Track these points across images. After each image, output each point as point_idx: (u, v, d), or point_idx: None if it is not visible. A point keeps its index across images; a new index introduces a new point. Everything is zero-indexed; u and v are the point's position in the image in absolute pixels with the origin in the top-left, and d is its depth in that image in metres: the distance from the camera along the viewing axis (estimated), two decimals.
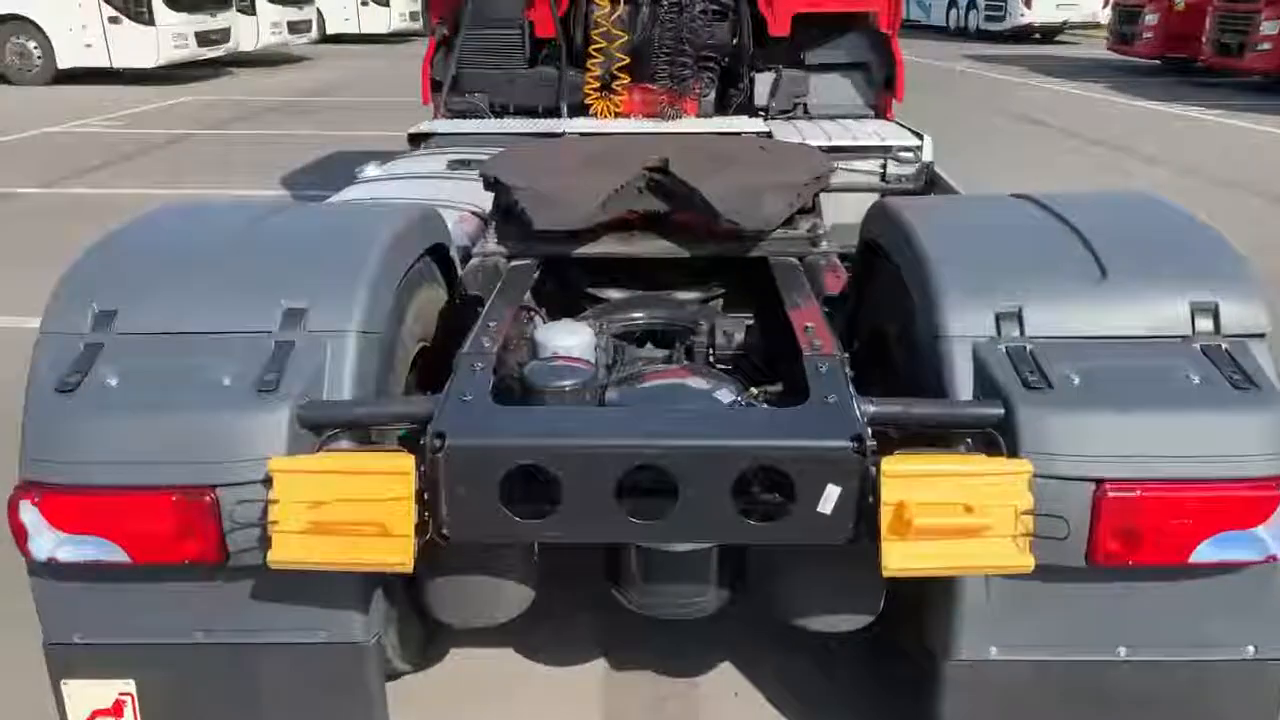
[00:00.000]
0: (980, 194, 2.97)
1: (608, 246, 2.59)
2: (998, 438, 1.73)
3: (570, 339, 1.99)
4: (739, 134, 4.55)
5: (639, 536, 1.71)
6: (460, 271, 2.58)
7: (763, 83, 5.15)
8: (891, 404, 1.78)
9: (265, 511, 1.64)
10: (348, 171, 8.39)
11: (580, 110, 5.11)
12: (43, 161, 9.52)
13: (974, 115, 12.11)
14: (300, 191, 8.12)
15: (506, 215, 2.59)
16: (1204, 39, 15.27)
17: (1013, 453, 1.70)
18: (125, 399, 1.76)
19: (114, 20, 15.00)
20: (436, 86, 5.13)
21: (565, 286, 2.80)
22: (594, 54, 4.93)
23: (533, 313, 2.32)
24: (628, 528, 1.64)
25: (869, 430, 1.66)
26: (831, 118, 5.10)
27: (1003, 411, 1.73)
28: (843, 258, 2.76)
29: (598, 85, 5.01)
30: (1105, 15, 23.93)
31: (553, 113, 5.13)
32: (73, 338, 1.86)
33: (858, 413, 1.69)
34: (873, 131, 4.62)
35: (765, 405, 1.86)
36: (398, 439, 1.86)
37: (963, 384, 1.84)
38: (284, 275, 1.95)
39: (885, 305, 2.38)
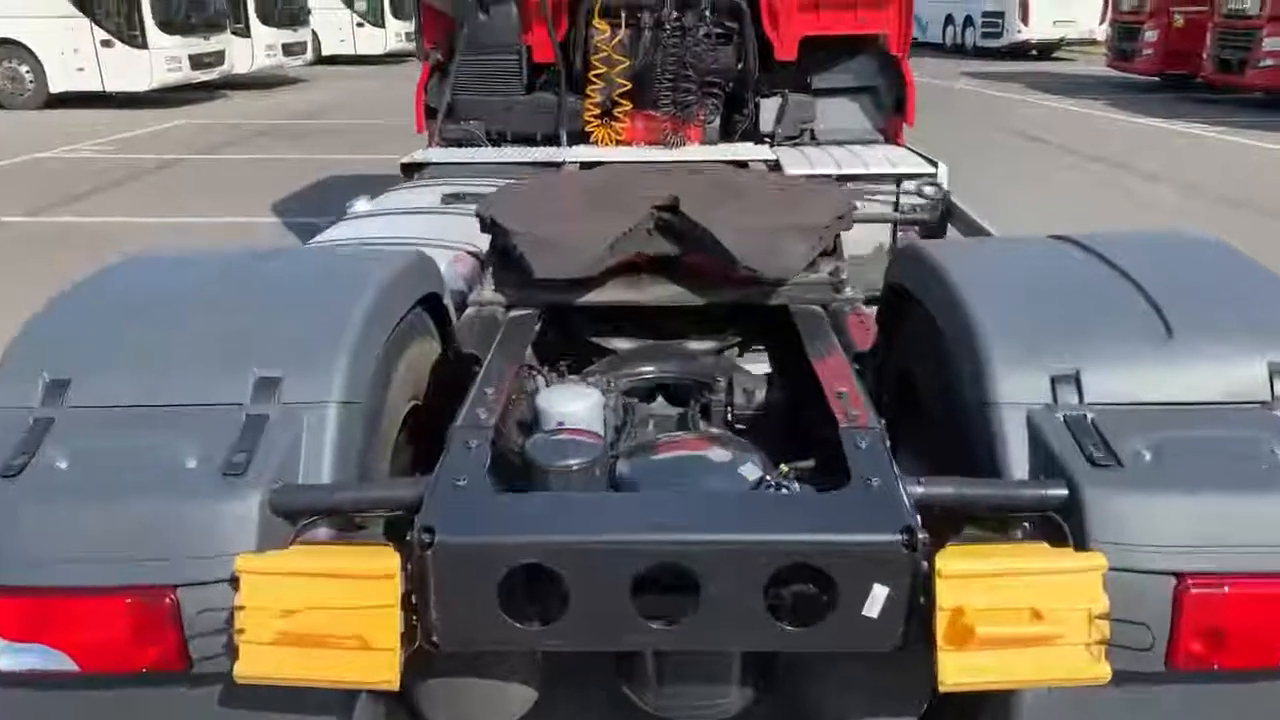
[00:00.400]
0: (1015, 236, 2.77)
1: (615, 293, 2.39)
2: (1061, 523, 1.53)
3: (576, 405, 1.80)
4: (746, 162, 4.37)
5: (657, 642, 1.51)
6: (456, 321, 2.39)
7: (768, 108, 4.97)
8: (941, 484, 1.58)
9: (232, 616, 1.44)
10: (340, 197, 8.22)
11: (580, 138, 4.93)
12: (32, 188, 9.33)
13: (973, 132, 11.95)
14: (291, 219, 7.93)
15: (504, 260, 2.39)
16: (1204, 55, 15.17)
17: (1079, 541, 1.50)
18: (75, 485, 1.56)
19: (106, 44, 14.88)
20: (431, 114, 4.95)
21: (568, 336, 2.59)
22: (594, 80, 4.76)
23: (535, 372, 2.12)
24: (644, 633, 1.44)
25: (919, 519, 1.47)
26: (840, 143, 4.92)
27: (1066, 493, 1.53)
28: (867, 301, 2.57)
29: (598, 112, 4.83)
30: (1102, 32, 23.90)
31: (552, 140, 4.95)
32: (20, 412, 1.66)
33: (906, 498, 1.49)
34: (884, 158, 4.44)
35: (796, 483, 1.66)
36: (384, 525, 1.66)
37: (1016, 458, 1.65)
38: (257, 340, 1.75)
39: (917, 354, 2.19)
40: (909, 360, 2.27)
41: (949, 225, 4.07)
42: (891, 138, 4.98)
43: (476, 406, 1.78)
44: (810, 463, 1.68)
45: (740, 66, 4.84)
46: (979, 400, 1.73)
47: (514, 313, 2.35)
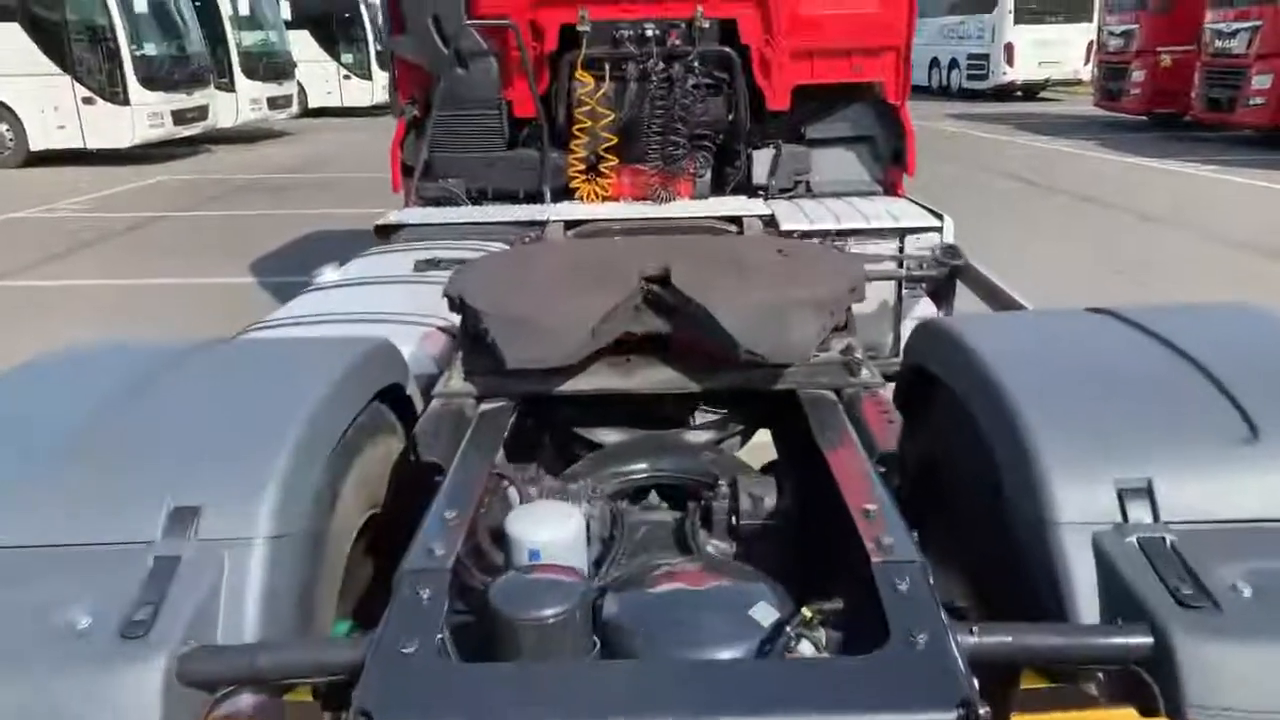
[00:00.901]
0: (1050, 309, 2.51)
1: (600, 380, 2.12)
2: (1149, 680, 1.25)
3: (553, 531, 1.51)
4: (739, 218, 4.14)
5: None
6: (424, 409, 2.11)
7: (761, 160, 4.76)
8: (999, 633, 1.30)
9: None
10: (320, 255, 7.97)
11: (565, 194, 4.69)
12: (3, 250, 9.07)
13: (963, 174, 11.80)
14: (267, 278, 7.67)
15: (475, 345, 2.12)
16: (1193, 94, 15.15)
17: (1173, 703, 1.22)
18: None
19: (88, 101, 14.72)
20: (408, 171, 4.72)
21: (547, 427, 2.32)
22: (578, 134, 4.53)
23: (507, 482, 1.84)
24: None
25: (976, 685, 1.18)
26: (837, 195, 4.70)
27: (1151, 640, 1.26)
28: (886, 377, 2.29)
29: (583, 168, 4.60)
30: (1087, 72, 24.06)
31: (535, 197, 4.71)
32: None
33: (960, 660, 1.21)
34: (885, 211, 4.20)
35: (822, 629, 1.38)
36: (324, 689, 1.37)
37: (1084, 592, 1.37)
38: (172, 462, 1.48)
39: (946, 446, 1.92)
40: (935, 450, 2.00)
41: (958, 282, 3.82)
42: (891, 189, 4.76)
43: (431, 540, 1.49)
44: (838, 604, 1.40)
45: (731, 117, 4.63)
46: (1033, 517, 1.45)
47: (485, 405, 2.07)
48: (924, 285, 3.93)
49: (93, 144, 14.86)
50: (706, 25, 4.41)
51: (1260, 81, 13.44)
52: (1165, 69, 16.29)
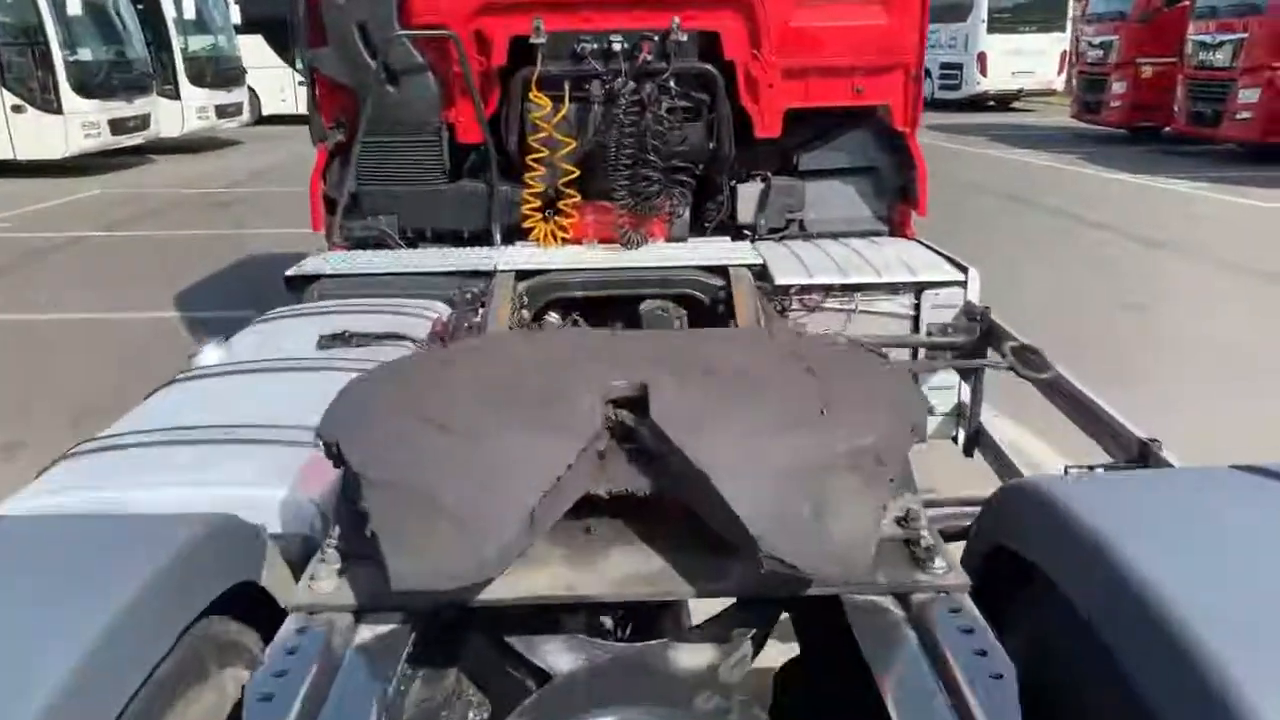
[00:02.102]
0: (1189, 468, 1.87)
1: (544, 579, 1.42)
2: None
3: None
4: (724, 268, 3.46)
5: None
6: (292, 599, 1.41)
7: (747, 195, 4.08)
8: None
9: None
10: (255, 283, 7.22)
11: (517, 233, 3.99)
12: None
13: (942, 191, 11.17)
14: (194, 313, 6.89)
15: (355, 530, 1.42)
16: (1175, 107, 14.73)
17: None
18: None
19: (17, 109, 13.79)
20: (331, 207, 3.99)
21: (461, 643, 1.59)
22: (533, 165, 3.83)
23: None
24: None
25: None
26: (835, 236, 4.04)
27: None
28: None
29: (539, 204, 3.90)
30: (1061, 82, 23.76)
31: (482, 238, 4.01)
32: None
33: None
34: (897, 260, 3.54)
35: None
36: None
37: None
38: None
39: (1057, 662, 1.28)
40: (1037, 667, 1.33)
41: (989, 350, 3.17)
42: (898, 229, 4.10)
43: None
44: None
45: (712, 146, 3.94)
46: None
47: (367, 627, 1.36)
48: (948, 354, 3.28)
49: (23, 155, 13.91)
50: (684, 39, 3.72)
51: (1247, 95, 13.02)
52: (1146, 81, 15.89)
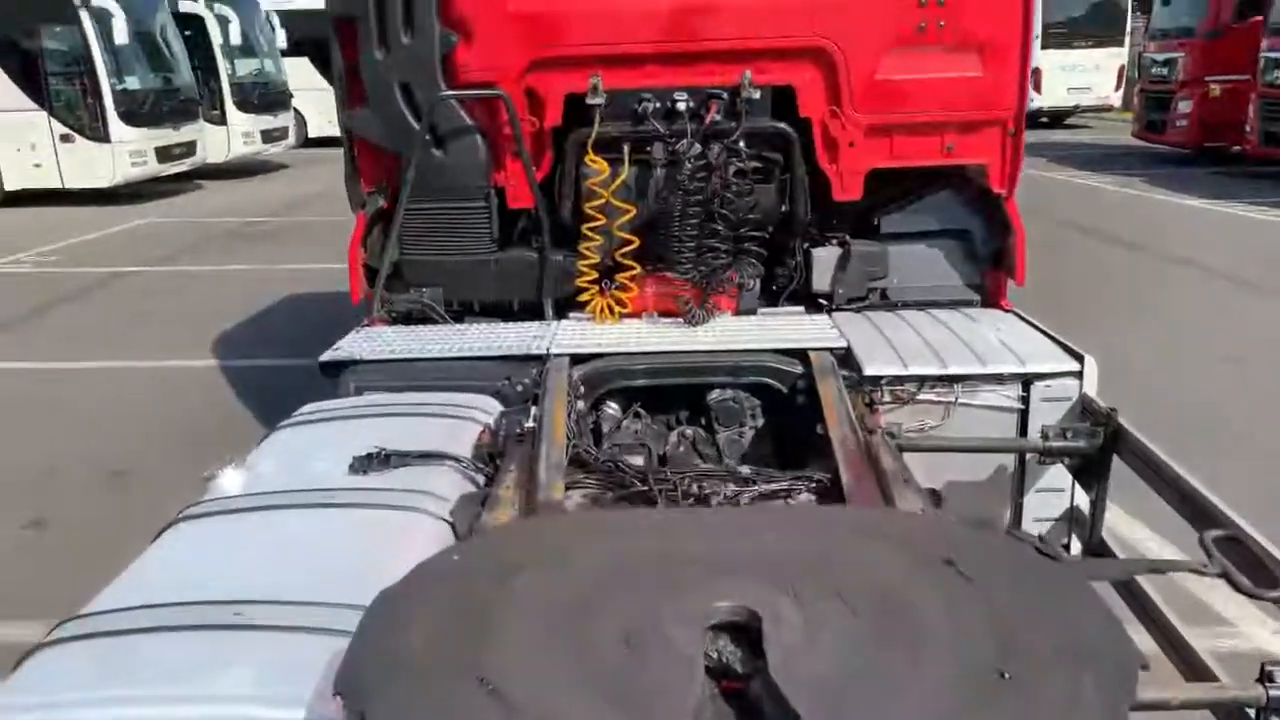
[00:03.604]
0: None
1: None
2: None
3: None
4: (804, 351, 3.10)
5: None
6: None
7: (824, 260, 3.71)
8: None
9: None
10: (293, 327, 6.97)
11: (570, 305, 3.66)
12: None
13: None
14: (230, 361, 6.65)
15: None
16: (1247, 128, 14.07)
17: None
18: None
19: (65, 138, 13.80)
20: (371, 277, 3.68)
21: None
22: (589, 233, 3.49)
23: None
24: None
25: None
26: (922, 306, 3.65)
27: None
28: None
29: (595, 276, 3.56)
30: (1117, 99, 23.05)
31: (532, 311, 3.68)
32: None
33: None
34: (1000, 344, 3.14)
35: None
36: None
37: None
38: None
39: None
40: None
41: (1114, 459, 2.76)
42: (993, 299, 3.70)
43: None
44: None
45: (786, 210, 3.59)
46: None
47: None
48: (1067, 462, 2.87)
49: (71, 183, 13.92)
50: (756, 95, 3.37)
51: None
52: (1214, 100, 15.21)
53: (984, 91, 3.42)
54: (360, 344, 3.30)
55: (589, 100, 3.38)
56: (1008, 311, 3.59)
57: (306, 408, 2.86)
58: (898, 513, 1.95)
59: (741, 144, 3.42)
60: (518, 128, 3.43)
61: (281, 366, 6.33)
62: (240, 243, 11.43)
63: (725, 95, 3.39)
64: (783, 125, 3.46)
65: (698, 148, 3.40)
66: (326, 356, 3.20)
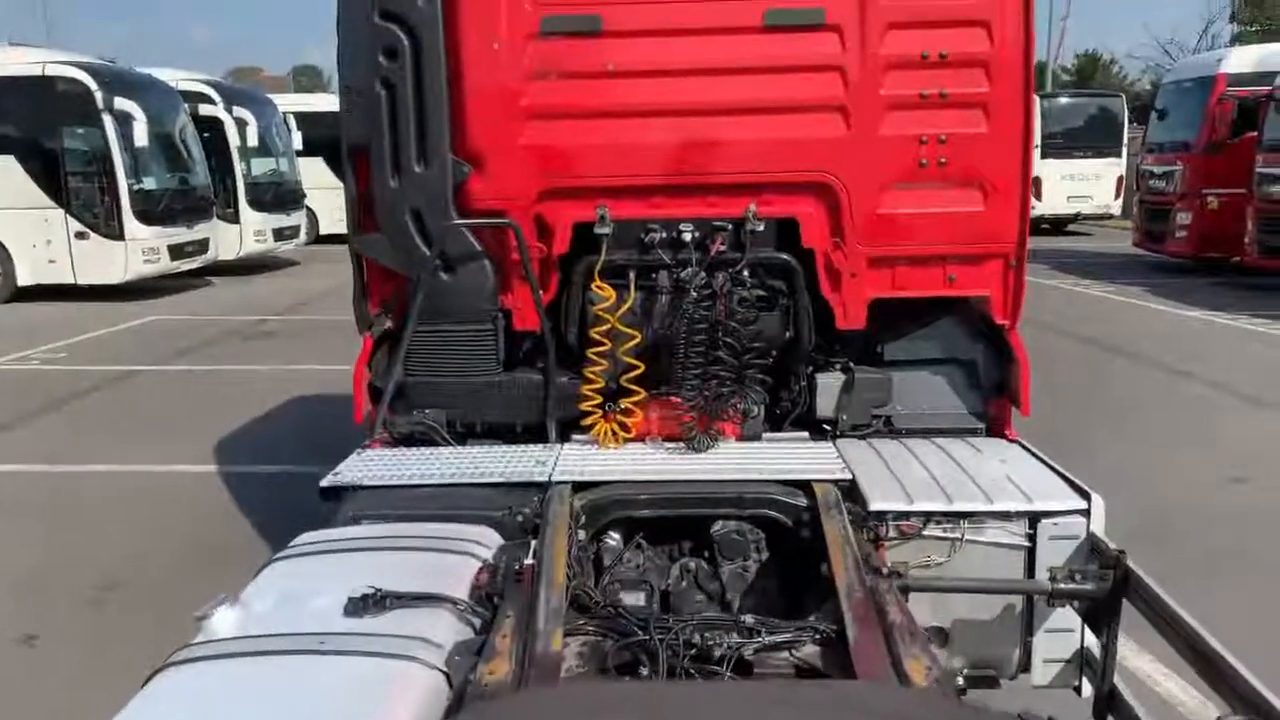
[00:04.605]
0: None
1: None
2: None
3: None
4: (808, 482, 3.07)
5: None
6: None
7: (828, 387, 3.70)
8: None
9: None
10: (296, 432, 6.96)
11: (575, 427, 3.65)
12: None
13: None
14: (232, 467, 6.62)
15: None
16: (1246, 240, 14.27)
17: None
18: None
19: (80, 235, 14.07)
20: (376, 396, 3.68)
21: None
22: (594, 358, 3.51)
23: None
24: None
25: None
26: (927, 434, 3.64)
27: None
28: None
29: (599, 400, 3.56)
30: (1117, 207, 23.47)
31: (536, 433, 3.67)
32: None
33: None
34: (1006, 479, 3.12)
35: None
36: None
37: None
38: None
39: None
40: None
41: (1124, 602, 2.70)
42: (997, 428, 3.69)
43: None
44: None
45: (790, 337, 3.61)
46: None
47: None
48: (1075, 604, 2.82)
49: (83, 280, 14.13)
50: (760, 227, 3.43)
51: None
52: (1212, 212, 15.48)
53: (985, 226, 3.47)
54: (360, 468, 3.28)
55: (597, 229, 3.43)
56: (1013, 442, 3.58)
57: (304, 538, 2.82)
58: (895, 692, 1.90)
59: (746, 273, 3.46)
60: (526, 255, 3.48)
61: (285, 474, 6.31)
62: (248, 342, 11.52)
63: (730, 226, 3.45)
64: (786, 256, 3.51)
65: (703, 276, 3.43)
66: (327, 481, 3.18)
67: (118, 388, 9.21)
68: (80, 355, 10.70)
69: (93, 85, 13.67)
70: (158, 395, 8.94)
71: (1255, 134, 14.32)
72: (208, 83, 18.01)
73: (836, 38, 3.32)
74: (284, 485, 5.97)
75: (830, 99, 3.35)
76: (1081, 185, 23.07)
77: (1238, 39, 32.75)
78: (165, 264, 14.72)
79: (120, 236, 14.02)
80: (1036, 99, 22.17)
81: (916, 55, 3.32)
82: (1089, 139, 23.20)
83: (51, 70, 13.91)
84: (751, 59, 3.35)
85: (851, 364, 3.74)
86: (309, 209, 20.47)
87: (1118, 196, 23.36)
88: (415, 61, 3.38)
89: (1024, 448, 3.50)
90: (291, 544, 2.76)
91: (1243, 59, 16.23)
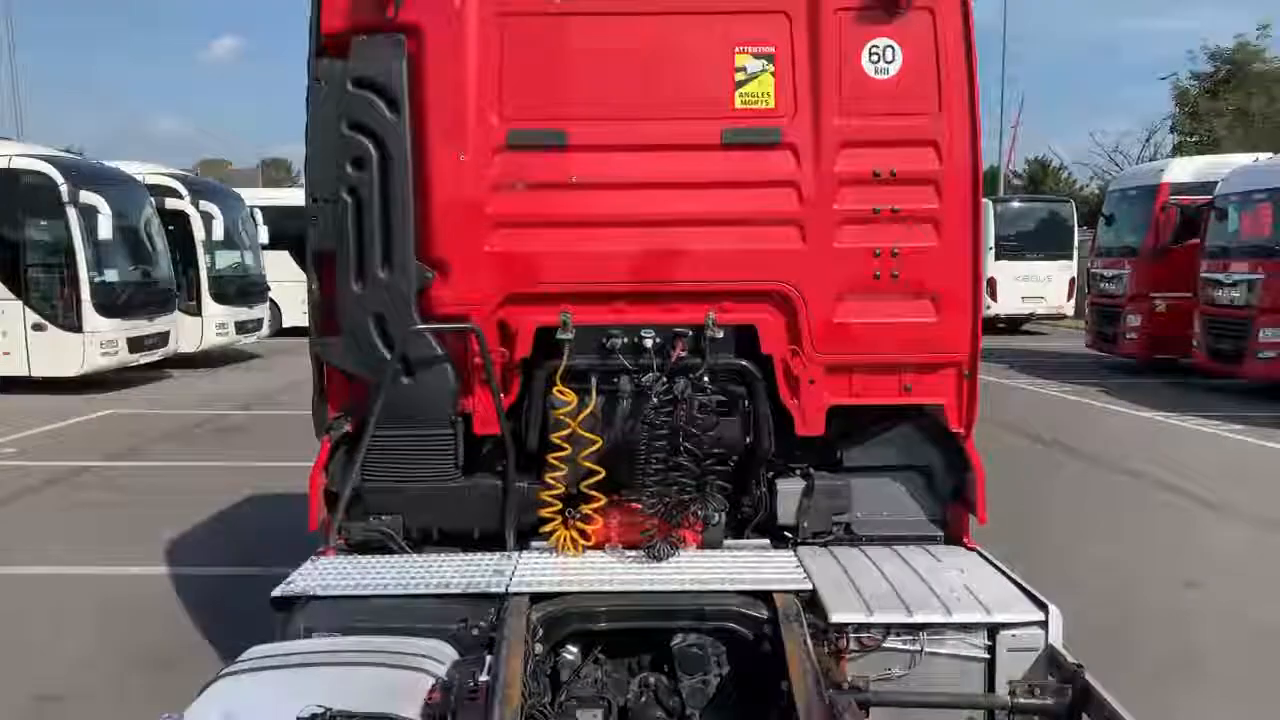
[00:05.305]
0: None
1: None
2: None
3: None
4: (769, 592, 3.06)
5: None
6: None
7: (788, 494, 3.72)
8: None
9: None
10: (249, 533, 6.80)
11: (534, 533, 3.61)
12: None
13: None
14: (182, 569, 6.43)
15: None
16: (1195, 342, 14.65)
17: None
18: None
19: (38, 327, 13.88)
20: (332, 502, 3.63)
21: None
22: (554, 463, 3.50)
23: None
24: None
25: None
26: (888, 541, 3.65)
27: None
28: None
29: (559, 506, 3.54)
30: (1070, 307, 24.08)
31: (495, 539, 3.63)
32: None
33: None
34: (965, 589, 3.13)
35: None
36: None
37: None
38: None
39: None
40: None
41: (1084, 717, 2.69)
42: (955, 535, 3.71)
43: None
44: None
45: (750, 442, 3.63)
46: None
47: None
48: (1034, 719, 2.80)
49: (38, 372, 13.89)
50: (720, 335, 3.49)
51: (1270, 335, 12.93)
52: (1161, 315, 15.92)
53: (938, 336, 3.55)
54: (313, 577, 3.22)
55: (559, 334, 3.47)
56: (971, 550, 3.60)
57: (253, 651, 2.75)
58: None
59: (706, 379, 3.50)
60: (488, 359, 3.50)
61: (235, 577, 6.14)
62: (204, 437, 11.34)
63: (690, 333, 3.50)
64: (745, 362, 3.56)
65: (664, 382, 3.47)
66: (279, 591, 3.11)
67: (66, 485, 8.98)
68: (30, 451, 10.45)
69: (58, 179, 13.68)
70: (107, 493, 8.71)
71: (1198, 240, 14.84)
72: (175, 176, 18.10)
73: (792, 155, 3.44)
74: (234, 589, 5.81)
75: (786, 213, 3.45)
76: (1035, 286, 23.69)
77: (1178, 149, 34.24)
78: (123, 357, 14.54)
79: (78, 329, 13.85)
80: (990, 203, 23.06)
81: (869, 173, 3.44)
82: (1041, 242, 23.94)
83: (18, 164, 13.92)
84: (711, 174, 3.45)
85: (811, 470, 3.77)
86: (273, 301, 20.44)
87: (1070, 297, 23.99)
88: (383, 170, 3.45)
89: (982, 556, 3.52)
90: (240, 658, 2.69)
91: (1184, 169, 16.93)
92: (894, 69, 3.45)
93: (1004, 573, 3.29)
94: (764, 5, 3.46)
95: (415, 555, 3.54)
